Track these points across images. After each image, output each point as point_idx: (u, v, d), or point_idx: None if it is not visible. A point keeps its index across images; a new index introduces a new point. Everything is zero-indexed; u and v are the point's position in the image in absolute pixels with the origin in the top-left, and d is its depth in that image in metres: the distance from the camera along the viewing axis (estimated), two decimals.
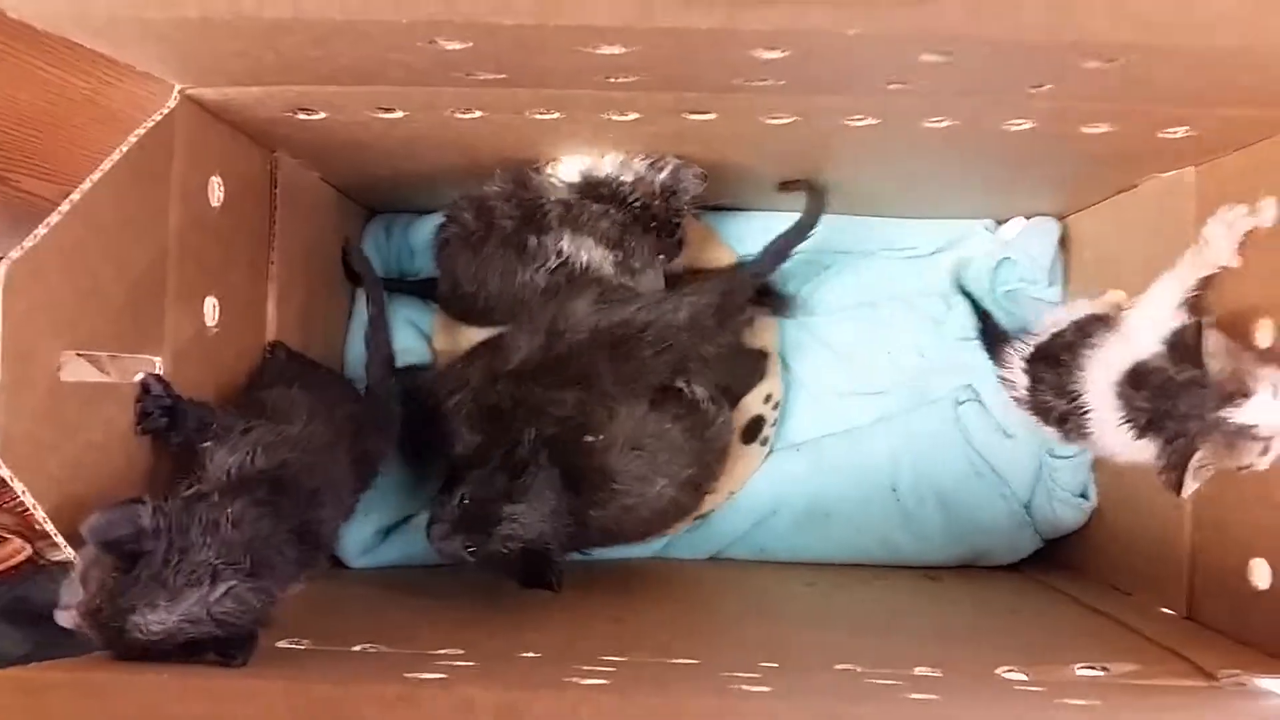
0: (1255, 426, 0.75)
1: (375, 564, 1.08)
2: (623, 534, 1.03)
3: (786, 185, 1.07)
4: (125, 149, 0.71)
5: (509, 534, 0.91)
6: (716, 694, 0.64)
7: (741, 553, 1.15)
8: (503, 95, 0.78)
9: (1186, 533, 0.90)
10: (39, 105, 0.95)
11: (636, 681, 0.69)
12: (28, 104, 0.95)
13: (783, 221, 1.07)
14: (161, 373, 0.76)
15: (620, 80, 0.74)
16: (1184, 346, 0.79)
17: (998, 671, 0.73)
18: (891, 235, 1.17)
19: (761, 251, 1.07)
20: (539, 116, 0.84)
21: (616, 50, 0.66)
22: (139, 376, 0.74)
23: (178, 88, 0.77)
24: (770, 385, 1.13)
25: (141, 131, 0.73)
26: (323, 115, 0.82)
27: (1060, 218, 1.14)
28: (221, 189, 0.83)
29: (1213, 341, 0.78)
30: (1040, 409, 0.97)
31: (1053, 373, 0.93)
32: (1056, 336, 0.95)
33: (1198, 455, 0.77)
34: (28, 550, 1.10)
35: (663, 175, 0.96)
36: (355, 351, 1.10)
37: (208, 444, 0.72)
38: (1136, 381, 0.82)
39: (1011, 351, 1.00)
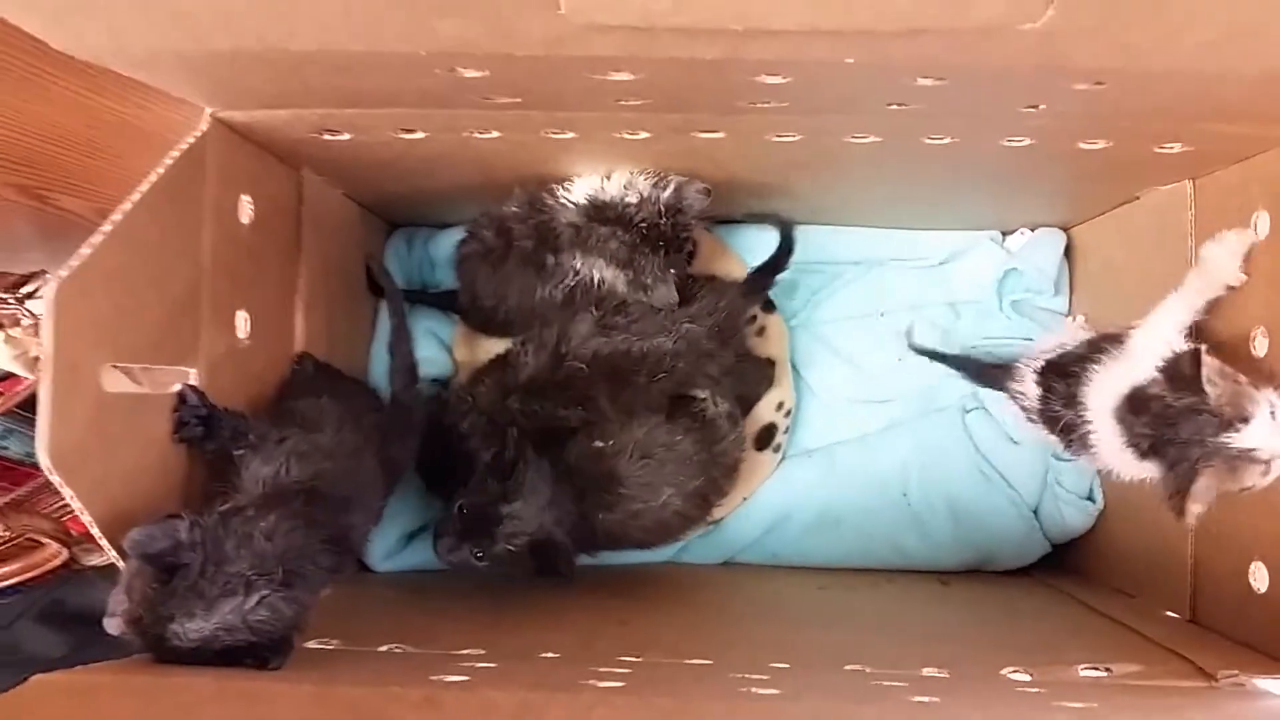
0: (1255, 450, 0.75)
1: (398, 568, 1.10)
2: (630, 538, 1.04)
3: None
4: (161, 171, 0.73)
5: (512, 531, 0.93)
6: (726, 698, 0.65)
7: (754, 558, 1.17)
8: (519, 117, 0.81)
9: (1189, 537, 0.91)
10: (78, 129, 0.98)
11: (651, 683, 0.70)
12: (67, 127, 0.98)
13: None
14: (197, 384, 0.78)
15: (630, 103, 0.76)
16: (1181, 374, 0.78)
17: (1003, 672, 0.74)
18: (901, 246, 1.19)
19: (747, 279, 1.11)
20: (553, 136, 0.86)
21: (626, 77, 0.68)
22: (176, 387, 0.76)
23: (208, 111, 0.79)
24: (783, 393, 1.15)
25: (176, 154, 0.75)
26: (347, 136, 0.85)
27: (1065, 228, 1.15)
28: (251, 207, 0.85)
29: (1210, 366, 0.77)
30: (1049, 419, 0.96)
31: (1063, 383, 0.93)
32: (1066, 353, 0.95)
33: (1200, 481, 0.76)
34: (64, 554, 1.13)
35: (666, 194, 0.97)
36: (378, 361, 1.12)
37: (242, 452, 0.74)
38: (1136, 407, 0.81)
39: (1021, 366, 1.00)
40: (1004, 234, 1.18)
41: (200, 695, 0.59)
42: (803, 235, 1.14)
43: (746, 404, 1.13)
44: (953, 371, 1.13)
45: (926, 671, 0.73)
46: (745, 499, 1.14)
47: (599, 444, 1.02)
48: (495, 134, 0.85)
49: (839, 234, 1.18)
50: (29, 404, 0.91)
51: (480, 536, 0.94)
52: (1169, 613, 0.93)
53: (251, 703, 0.59)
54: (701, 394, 1.08)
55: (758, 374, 1.15)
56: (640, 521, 1.02)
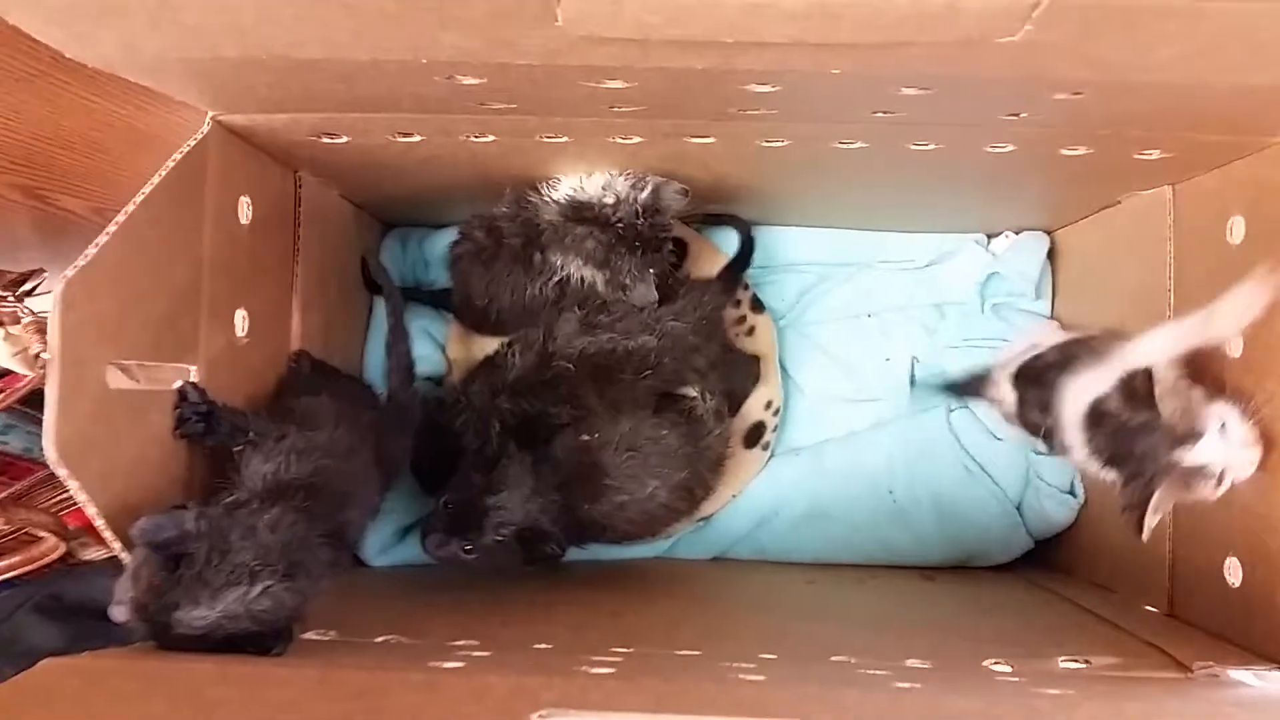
0: (1206, 465, 0.76)
1: (393, 562, 1.11)
2: (617, 529, 1.05)
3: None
4: (164, 173, 0.74)
5: (499, 522, 0.94)
6: (716, 683, 0.66)
7: (743, 553, 1.18)
8: (514, 122, 0.82)
9: (1167, 534, 0.92)
10: (81, 131, 0.99)
11: (642, 670, 0.71)
12: (71, 130, 0.99)
13: (779, 235, 1.12)
14: (197, 381, 0.79)
15: (623, 109, 0.78)
16: (1135, 391, 0.79)
17: (984, 663, 0.75)
18: (888, 248, 1.21)
19: (719, 275, 1.13)
20: (548, 140, 0.87)
21: (619, 85, 0.70)
22: (177, 384, 0.77)
23: (210, 114, 0.80)
24: (771, 392, 1.16)
25: (178, 156, 0.76)
26: (345, 139, 0.86)
27: (1049, 231, 1.17)
28: (250, 208, 0.86)
29: (1163, 384, 0.78)
30: (1027, 424, 0.97)
31: (1037, 391, 0.93)
32: (1038, 357, 0.95)
33: (1156, 496, 0.78)
34: (62, 548, 1.14)
35: (644, 195, 0.97)
36: (374, 358, 1.13)
37: (241, 448, 0.75)
38: (1096, 421, 0.83)
39: (996, 370, 1.00)
40: (989, 236, 1.19)
41: (205, 677, 0.60)
42: (792, 237, 1.16)
43: (735, 400, 1.15)
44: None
45: (910, 662, 0.74)
46: (735, 496, 1.16)
47: (585, 437, 1.03)
48: (491, 138, 0.87)
49: (827, 236, 1.20)
50: (28, 400, 0.92)
51: (467, 529, 0.95)
52: (1148, 607, 0.94)
53: (255, 686, 0.59)
54: (692, 392, 1.09)
55: (745, 369, 1.16)
56: (626, 513, 1.03)
